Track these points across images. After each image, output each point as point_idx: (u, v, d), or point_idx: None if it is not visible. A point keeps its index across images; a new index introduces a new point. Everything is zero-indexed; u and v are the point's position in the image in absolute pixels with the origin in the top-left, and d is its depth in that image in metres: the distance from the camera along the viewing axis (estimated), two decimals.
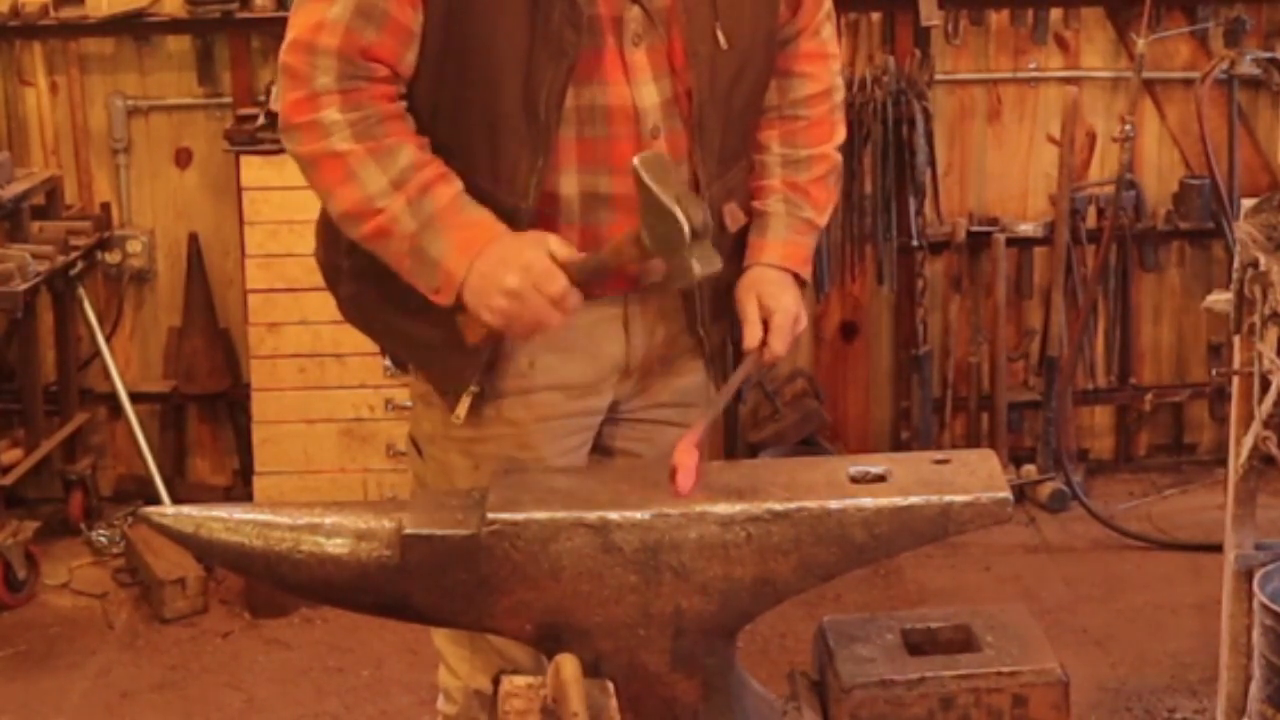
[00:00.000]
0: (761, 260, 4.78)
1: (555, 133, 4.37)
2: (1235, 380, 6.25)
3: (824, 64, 4.96)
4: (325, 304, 8.09)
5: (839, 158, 5.02)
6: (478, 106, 4.37)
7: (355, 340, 8.27)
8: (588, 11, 4.28)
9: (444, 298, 4.21)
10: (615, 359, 4.68)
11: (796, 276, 4.71)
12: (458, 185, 4.26)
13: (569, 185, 4.45)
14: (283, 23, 8.09)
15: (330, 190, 4.24)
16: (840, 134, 5.02)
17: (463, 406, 4.47)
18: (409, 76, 4.30)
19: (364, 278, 4.57)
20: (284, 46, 4.24)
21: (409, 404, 7.98)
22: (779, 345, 4.52)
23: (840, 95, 5.09)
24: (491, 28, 4.28)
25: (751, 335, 4.54)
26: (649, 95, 4.47)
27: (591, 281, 4.24)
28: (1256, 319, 5.88)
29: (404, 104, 4.32)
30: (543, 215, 4.36)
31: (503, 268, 4.14)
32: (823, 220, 4.94)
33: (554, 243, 4.20)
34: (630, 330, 4.67)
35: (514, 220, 4.29)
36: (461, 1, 4.25)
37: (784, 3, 4.75)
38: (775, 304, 4.59)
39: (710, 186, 4.52)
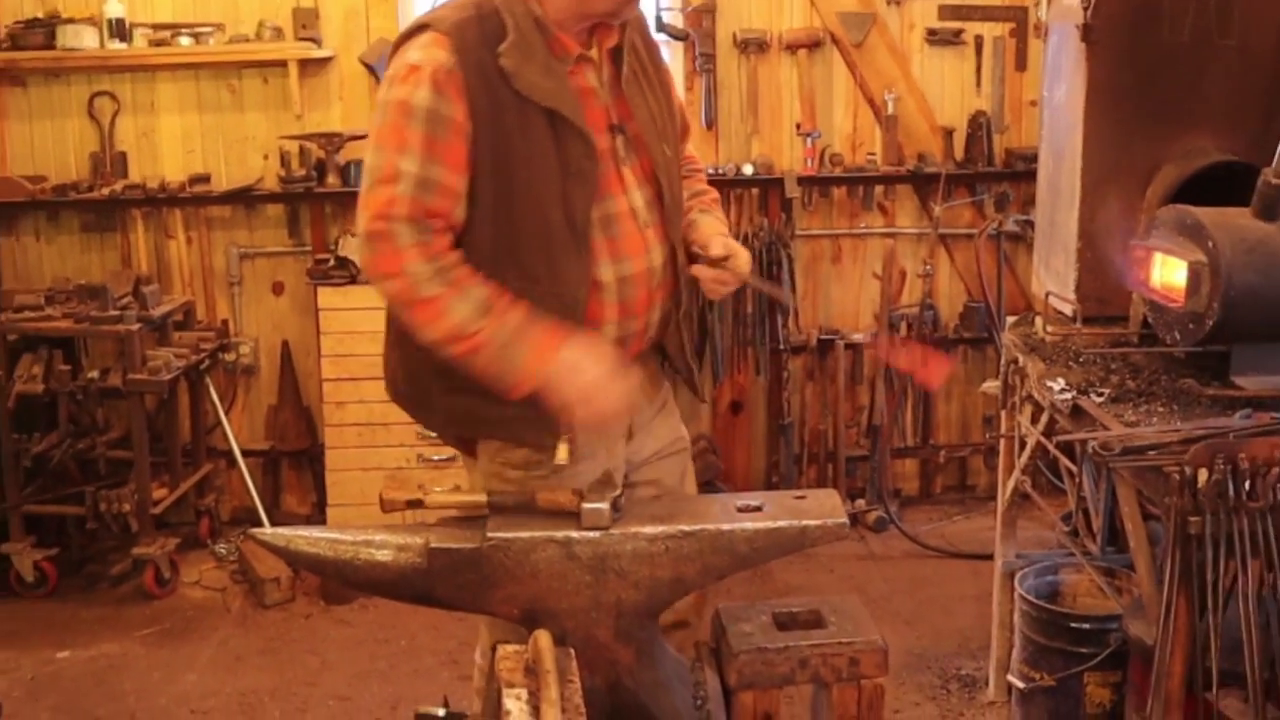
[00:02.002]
0: (717, 228, 4.87)
1: (590, 239, 4.38)
2: (1002, 442, 6.39)
3: (692, 150, 5.13)
4: (377, 389, 8.20)
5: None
6: (531, 231, 4.31)
7: (397, 415, 8.32)
8: (597, 147, 4.36)
9: (520, 392, 4.18)
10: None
11: None
12: (524, 307, 4.20)
13: (606, 274, 4.44)
14: (348, 196, 8.33)
15: (426, 324, 4.17)
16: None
17: (563, 451, 4.35)
18: (461, 225, 4.26)
19: (457, 392, 4.42)
20: (366, 220, 4.15)
21: (435, 459, 8.15)
22: (743, 265, 4.68)
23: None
24: (531, 173, 4.28)
25: (737, 254, 4.68)
26: (638, 199, 4.52)
27: None
28: (1016, 399, 6.05)
29: (460, 249, 4.25)
30: (592, 299, 4.39)
31: (583, 360, 4.18)
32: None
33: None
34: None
35: (574, 306, 4.35)
36: (503, 159, 4.25)
37: (680, 122, 4.92)
38: (736, 246, 4.71)
39: (677, 243, 4.62)
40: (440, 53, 4.20)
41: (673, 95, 4.86)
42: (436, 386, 4.52)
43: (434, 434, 5.06)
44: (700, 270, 4.66)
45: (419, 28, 4.32)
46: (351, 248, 8.57)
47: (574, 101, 4.37)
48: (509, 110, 4.26)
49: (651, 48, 4.83)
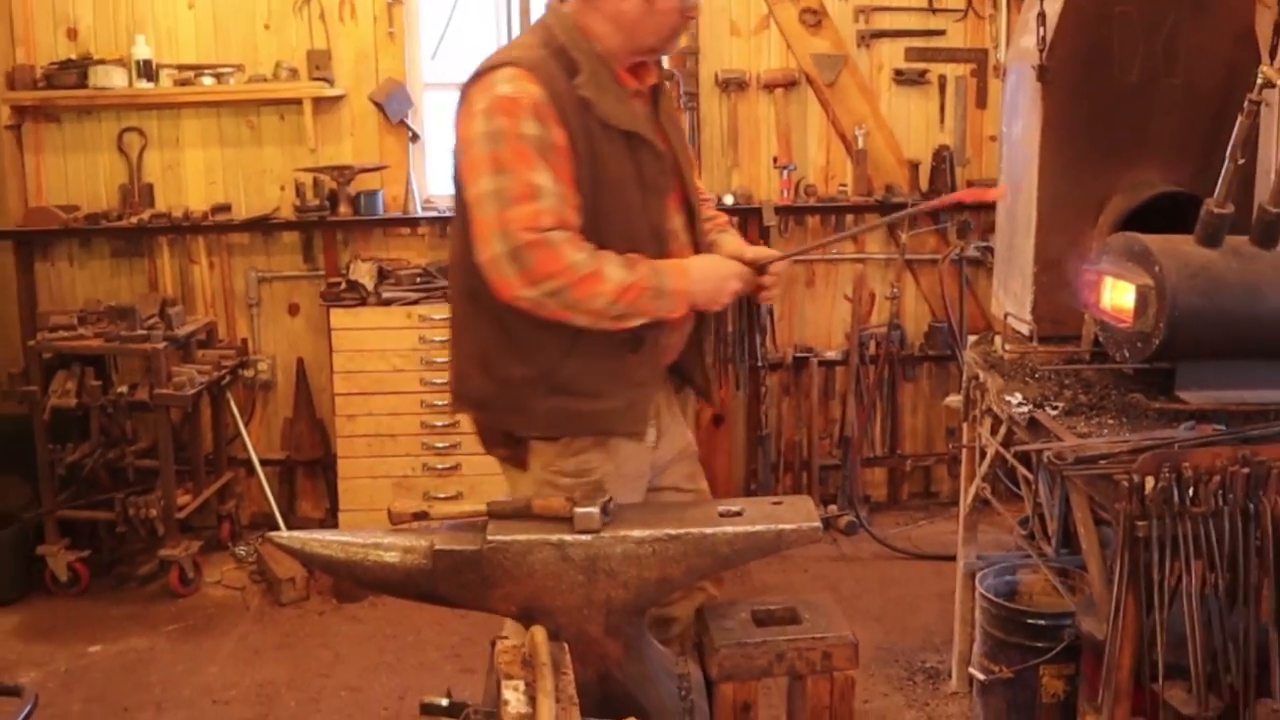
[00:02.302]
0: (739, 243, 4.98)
1: (667, 245, 4.58)
2: (964, 452, 6.40)
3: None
4: (385, 403, 8.29)
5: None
6: (621, 239, 4.45)
7: (404, 427, 8.43)
8: (668, 163, 4.63)
9: (679, 311, 4.50)
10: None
11: None
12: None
13: None
14: (358, 224, 8.38)
15: (593, 295, 4.29)
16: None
17: (652, 434, 4.73)
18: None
19: (556, 394, 4.56)
20: (515, 235, 4.22)
21: (440, 467, 8.11)
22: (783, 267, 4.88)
23: None
24: (618, 190, 4.47)
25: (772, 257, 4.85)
26: (677, 220, 4.72)
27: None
28: (977, 412, 6.03)
29: None
30: None
31: (715, 269, 4.59)
32: None
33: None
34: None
35: None
36: (595, 178, 4.40)
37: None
38: (770, 253, 4.89)
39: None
40: (530, 86, 4.33)
41: (685, 131, 4.99)
42: (536, 392, 4.59)
43: (484, 449, 5.00)
44: (764, 279, 4.80)
45: (498, 65, 4.43)
46: (362, 271, 8.60)
47: (647, 125, 4.58)
48: (594, 135, 4.40)
49: (674, 89, 4.97)
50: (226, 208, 8.96)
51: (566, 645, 3.82)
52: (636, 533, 4.06)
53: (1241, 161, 4.61)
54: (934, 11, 9.14)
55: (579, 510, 4.05)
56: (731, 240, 4.99)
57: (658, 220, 4.62)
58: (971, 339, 6.32)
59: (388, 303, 8.48)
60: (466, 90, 4.51)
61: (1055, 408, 5.08)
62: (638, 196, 4.54)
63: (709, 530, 4.11)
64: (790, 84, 9.12)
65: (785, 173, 9.05)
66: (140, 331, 8.02)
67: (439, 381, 8.36)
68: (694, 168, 5.08)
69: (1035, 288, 5.93)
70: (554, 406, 4.60)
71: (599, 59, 4.51)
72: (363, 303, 8.50)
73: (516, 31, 8.79)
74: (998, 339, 6.02)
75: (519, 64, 4.39)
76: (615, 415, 4.63)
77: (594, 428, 4.65)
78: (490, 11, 8.94)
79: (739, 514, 4.20)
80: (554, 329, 4.46)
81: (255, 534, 8.83)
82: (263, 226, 8.97)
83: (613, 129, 4.44)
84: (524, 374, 4.56)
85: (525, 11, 8.79)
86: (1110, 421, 4.89)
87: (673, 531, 4.07)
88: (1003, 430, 5.59)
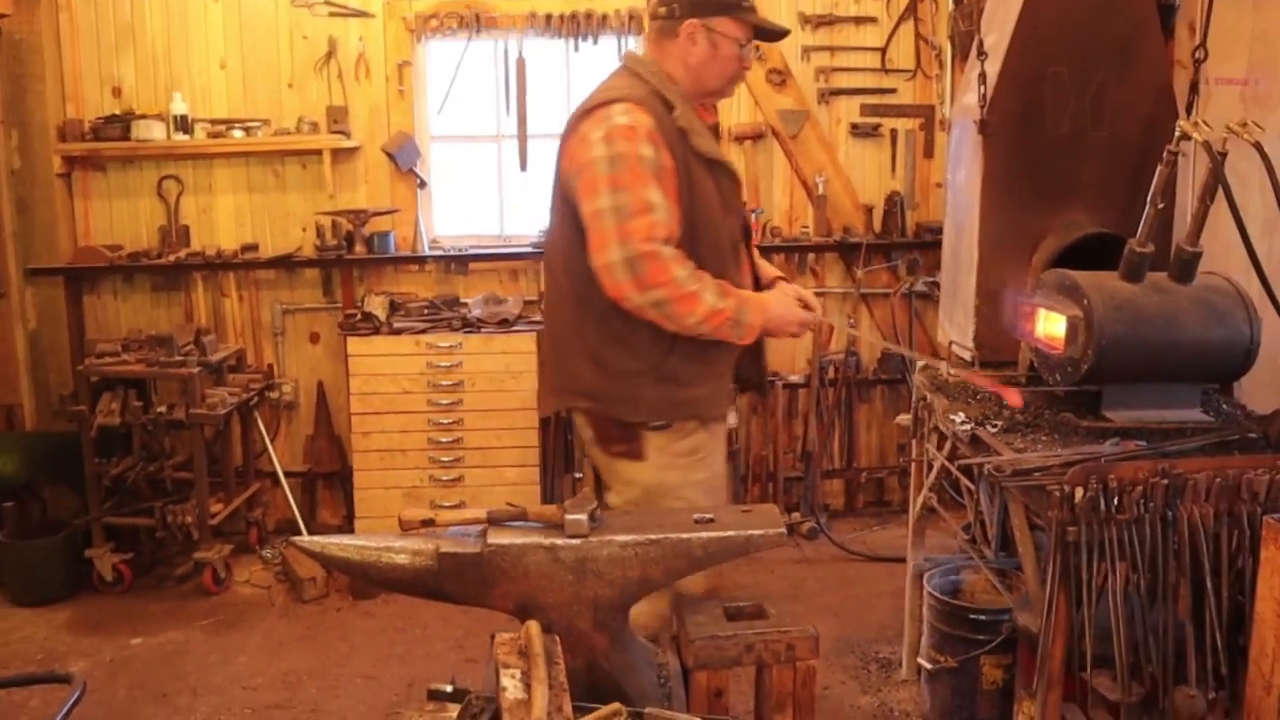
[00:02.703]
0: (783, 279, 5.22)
1: (740, 257, 4.88)
2: (913, 465, 6.39)
3: None
4: (397, 421, 8.28)
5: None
6: (710, 252, 4.69)
7: (414, 443, 8.40)
8: (742, 187, 4.99)
9: (748, 340, 4.73)
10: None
11: None
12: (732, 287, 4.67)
13: (748, 280, 4.99)
14: (372, 262, 8.33)
15: (689, 312, 4.48)
16: None
17: (733, 415, 5.13)
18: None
19: (664, 383, 4.76)
20: (633, 245, 4.41)
21: (444, 479, 8.10)
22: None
23: None
24: (706, 209, 4.71)
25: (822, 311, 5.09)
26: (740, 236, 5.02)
27: None
28: (925, 430, 6.03)
29: None
30: None
31: (788, 308, 4.79)
32: None
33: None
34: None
35: None
36: (691, 198, 4.64)
37: None
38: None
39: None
40: (643, 116, 4.56)
41: None
42: (645, 382, 4.79)
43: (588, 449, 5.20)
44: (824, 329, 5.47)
45: (610, 100, 4.62)
46: (375, 304, 8.59)
47: (726, 155, 4.86)
48: (690, 161, 4.69)
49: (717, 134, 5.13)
50: (254, 247, 8.96)
51: (558, 638, 3.85)
52: (620, 537, 4.04)
53: (1161, 206, 4.63)
54: (886, 72, 9.14)
55: (569, 516, 4.04)
56: (767, 266, 5.33)
57: (735, 236, 4.89)
58: (920, 364, 6.32)
59: (398, 332, 8.47)
60: (577, 124, 4.66)
61: (994, 426, 5.08)
62: (720, 216, 4.80)
63: (685, 535, 4.09)
64: (758, 136, 9.12)
65: (754, 215, 9.01)
66: (177, 358, 8.05)
67: (444, 402, 8.40)
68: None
69: (976, 318, 5.94)
70: (660, 395, 4.80)
71: (683, 98, 4.75)
72: (376, 332, 8.49)
73: (514, 90, 8.81)
74: (943, 364, 6.02)
75: (630, 99, 4.61)
76: (707, 400, 4.88)
77: (691, 412, 4.87)
78: (489, 73, 8.93)
79: (712, 520, 4.18)
80: (656, 328, 4.65)
81: (280, 538, 8.82)
82: (287, 264, 8.96)
83: (702, 156, 4.68)
84: (635, 367, 4.77)
85: (521, 75, 8.81)
86: (1044, 438, 4.88)
87: (653, 536, 4.05)
88: (948, 446, 5.59)
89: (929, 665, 6.13)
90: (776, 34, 5.14)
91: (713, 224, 4.75)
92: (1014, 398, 4.81)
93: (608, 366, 4.75)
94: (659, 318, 4.51)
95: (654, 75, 4.78)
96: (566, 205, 4.71)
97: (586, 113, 4.64)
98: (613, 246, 4.41)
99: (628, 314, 4.62)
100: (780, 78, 9.03)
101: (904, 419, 6.46)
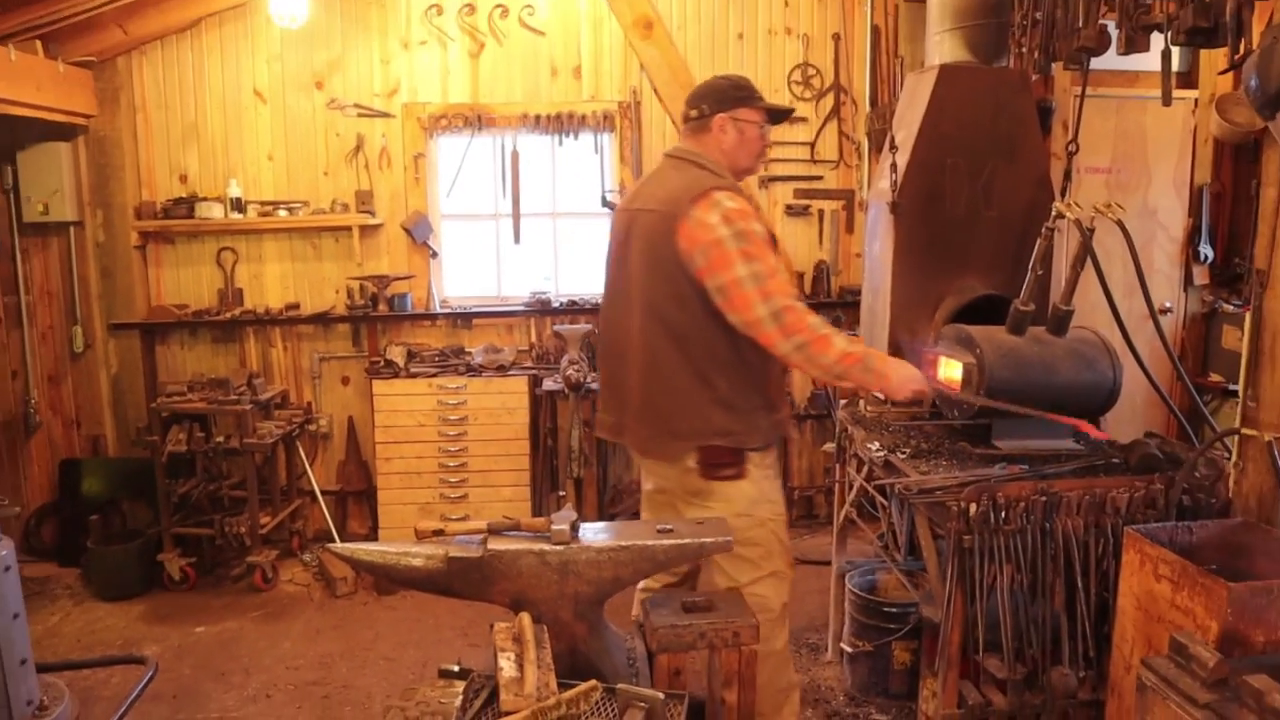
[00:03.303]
0: None
1: None
2: (837, 484, 6.34)
3: None
4: (412, 449, 8.20)
5: None
6: None
7: (429, 466, 8.36)
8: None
9: (875, 387, 4.55)
10: None
11: None
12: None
13: None
14: (393, 319, 8.26)
15: (823, 353, 4.35)
16: None
17: (795, 432, 4.86)
18: None
19: (770, 411, 4.74)
20: (776, 302, 4.34)
21: (452, 496, 8.04)
22: None
23: None
24: None
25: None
26: None
27: None
28: (847, 456, 5.99)
29: None
30: None
31: (910, 371, 4.61)
32: None
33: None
34: None
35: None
36: None
37: None
38: None
39: None
40: (740, 199, 4.58)
41: None
42: (760, 414, 4.74)
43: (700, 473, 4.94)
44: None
45: (709, 189, 4.57)
46: (395, 353, 8.57)
47: None
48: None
49: None
50: (296, 306, 8.92)
51: (546, 627, 3.87)
52: (597, 544, 4.04)
53: (1040, 272, 4.63)
54: (815, 162, 9.09)
55: (555, 527, 4.04)
56: None
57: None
58: (842, 402, 6.28)
59: (414, 376, 8.44)
60: (689, 210, 4.56)
61: (904, 453, 5.06)
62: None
63: (649, 542, 4.08)
64: None
65: None
66: (233, 397, 8.05)
67: (452, 434, 8.39)
68: None
69: None
70: (769, 421, 4.78)
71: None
72: (396, 376, 8.46)
73: (509, 177, 8.83)
74: (861, 402, 6.01)
75: (722, 187, 4.59)
76: (786, 421, 4.90)
77: (779, 432, 4.89)
78: (489, 163, 8.93)
79: (671, 531, 4.19)
80: (761, 368, 4.66)
81: (317, 545, 8.75)
82: (323, 320, 8.92)
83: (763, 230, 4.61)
84: (756, 403, 4.71)
85: (515, 165, 8.82)
86: (944, 463, 4.88)
87: (623, 544, 4.05)
88: (865, 469, 5.55)
89: (850, 649, 6.15)
90: (784, 114, 5.13)
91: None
92: (1096, 431, 4.78)
93: (737, 406, 4.65)
94: (801, 360, 4.40)
95: (714, 164, 4.77)
96: (680, 283, 4.63)
97: (692, 201, 4.54)
98: (758, 305, 4.35)
99: (743, 365, 4.62)
100: None
101: (829, 446, 6.43)
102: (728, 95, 4.85)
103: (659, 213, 4.66)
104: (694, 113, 4.87)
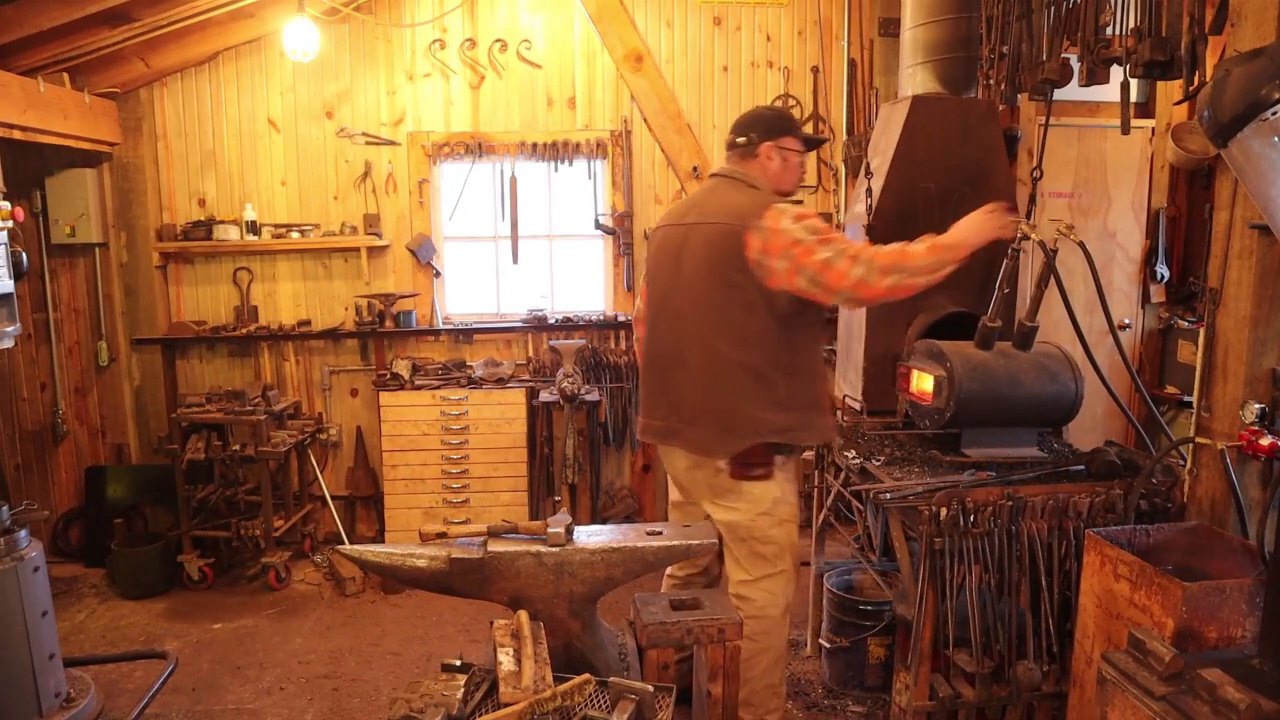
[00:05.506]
0: None
1: None
2: (816, 490, 6.33)
3: None
4: (417, 457, 8.16)
5: None
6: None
7: (432, 474, 8.32)
8: None
9: (965, 252, 4.50)
10: None
11: None
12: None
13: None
14: (399, 334, 8.21)
15: (912, 255, 4.40)
16: None
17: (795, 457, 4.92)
18: None
19: (791, 411, 4.69)
20: (862, 261, 4.39)
21: (454, 501, 8.01)
22: None
23: None
24: None
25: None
26: None
27: None
28: (825, 463, 6.01)
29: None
30: None
31: (980, 221, 4.59)
32: None
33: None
34: None
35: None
36: None
37: None
38: None
39: None
40: (794, 207, 4.63)
41: None
42: (818, 412, 4.80)
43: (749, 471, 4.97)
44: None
45: (768, 204, 4.67)
46: (401, 366, 8.55)
47: None
48: None
49: None
50: (308, 322, 8.90)
51: (542, 624, 3.88)
52: (590, 545, 4.07)
53: (1007, 290, 4.64)
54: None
55: (551, 530, 4.06)
56: None
57: None
58: None
59: (419, 388, 8.41)
60: (757, 223, 4.60)
61: (879, 460, 5.07)
62: None
63: (640, 544, 4.11)
64: None
65: None
66: (249, 408, 8.03)
67: (454, 442, 8.36)
68: None
69: (865, 377, 5.92)
70: (822, 422, 4.84)
71: None
72: (402, 388, 8.43)
73: (508, 201, 8.82)
74: (838, 412, 6.02)
75: (776, 202, 4.69)
76: (834, 424, 5.06)
77: (828, 435, 4.99)
78: (489, 188, 8.93)
79: (661, 533, 4.20)
80: (816, 371, 4.79)
81: (328, 547, 8.73)
82: (333, 335, 8.88)
83: None
84: (810, 403, 4.75)
85: (514, 190, 8.81)
86: (916, 469, 4.89)
87: (615, 545, 4.08)
88: (842, 475, 5.56)
89: (828, 644, 6.13)
90: (819, 143, 5.30)
91: None
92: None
93: (795, 405, 4.67)
94: (905, 284, 4.43)
95: (758, 181, 4.90)
96: (748, 290, 4.65)
97: (757, 215, 4.61)
98: (853, 268, 4.37)
99: (801, 368, 4.69)
100: None
101: (809, 454, 6.45)
102: (774, 125, 4.94)
103: (723, 225, 4.70)
104: (742, 139, 4.96)
